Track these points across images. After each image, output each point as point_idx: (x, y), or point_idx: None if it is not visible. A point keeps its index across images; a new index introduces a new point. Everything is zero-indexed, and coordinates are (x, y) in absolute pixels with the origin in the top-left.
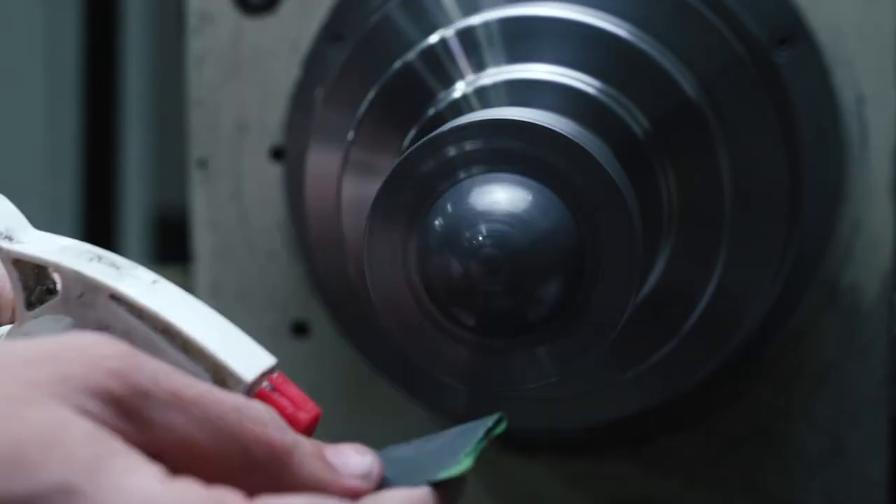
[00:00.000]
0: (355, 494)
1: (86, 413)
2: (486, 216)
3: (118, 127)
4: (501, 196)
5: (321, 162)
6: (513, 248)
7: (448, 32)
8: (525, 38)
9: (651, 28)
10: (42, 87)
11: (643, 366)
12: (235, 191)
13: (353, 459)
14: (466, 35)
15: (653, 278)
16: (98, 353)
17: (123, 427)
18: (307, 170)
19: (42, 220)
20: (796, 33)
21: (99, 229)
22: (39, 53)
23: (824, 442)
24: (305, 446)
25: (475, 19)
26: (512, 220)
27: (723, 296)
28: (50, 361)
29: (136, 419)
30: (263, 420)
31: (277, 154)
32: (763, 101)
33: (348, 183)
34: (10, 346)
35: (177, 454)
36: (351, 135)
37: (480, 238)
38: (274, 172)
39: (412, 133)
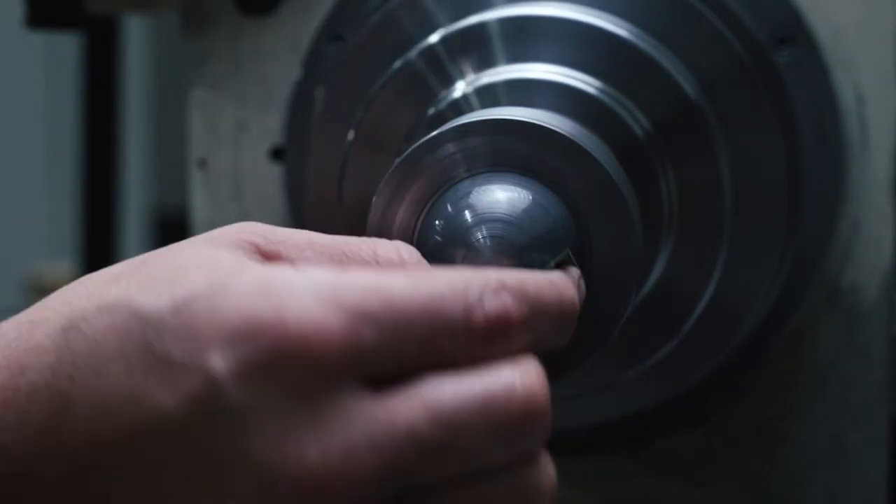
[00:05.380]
0: None
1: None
2: (486, 216)
3: (118, 127)
4: (501, 196)
5: (321, 162)
6: (512, 247)
7: (448, 32)
8: (525, 37)
9: (651, 28)
10: (42, 87)
11: (643, 366)
12: (235, 191)
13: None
14: (467, 35)
15: (653, 278)
16: (245, 226)
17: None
18: (307, 170)
19: (42, 220)
20: (796, 33)
21: (99, 229)
22: (39, 54)
23: (824, 442)
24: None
25: (475, 19)
26: (512, 219)
27: (723, 296)
28: (208, 235)
29: (276, 258)
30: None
31: (277, 154)
32: (763, 101)
33: (349, 183)
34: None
35: None
36: (351, 135)
37: (480, 238)
38: (274, 172)
39: (413, 133)
